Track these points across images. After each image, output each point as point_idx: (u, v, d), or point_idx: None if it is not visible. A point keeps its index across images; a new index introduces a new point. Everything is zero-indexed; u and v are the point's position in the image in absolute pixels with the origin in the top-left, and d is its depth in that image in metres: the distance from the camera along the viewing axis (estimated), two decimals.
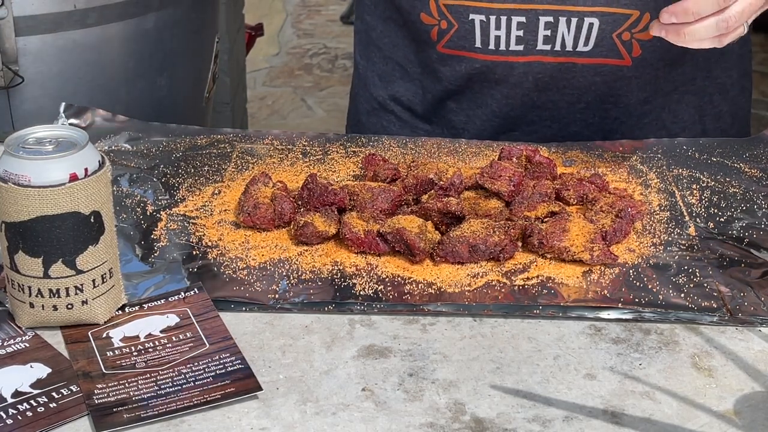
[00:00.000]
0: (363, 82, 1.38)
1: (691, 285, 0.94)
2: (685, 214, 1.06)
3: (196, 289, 0.93)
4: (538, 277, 0.95)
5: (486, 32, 1.20)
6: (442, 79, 1.27)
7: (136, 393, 0.80)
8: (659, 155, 1.18)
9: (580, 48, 1.20)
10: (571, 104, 1.25)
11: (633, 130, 1.28)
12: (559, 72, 1.22)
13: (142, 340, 0.87)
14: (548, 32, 1.19)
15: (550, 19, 1.18)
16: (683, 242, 1.01)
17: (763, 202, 1.08)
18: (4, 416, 0.78)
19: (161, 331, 0.88)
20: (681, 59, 1.25)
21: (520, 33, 1.19)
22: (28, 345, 0.86)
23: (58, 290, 0.86)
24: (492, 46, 1.21)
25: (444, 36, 1.23)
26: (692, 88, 1.28)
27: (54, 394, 0.80)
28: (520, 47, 1.20)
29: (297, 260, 0.97)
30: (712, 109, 1.31)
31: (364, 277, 0.95)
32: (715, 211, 1.07)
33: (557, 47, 1.20)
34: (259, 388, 0.80)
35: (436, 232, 0.99)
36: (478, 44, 1.21)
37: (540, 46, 1.20)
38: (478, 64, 1.24)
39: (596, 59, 1.21)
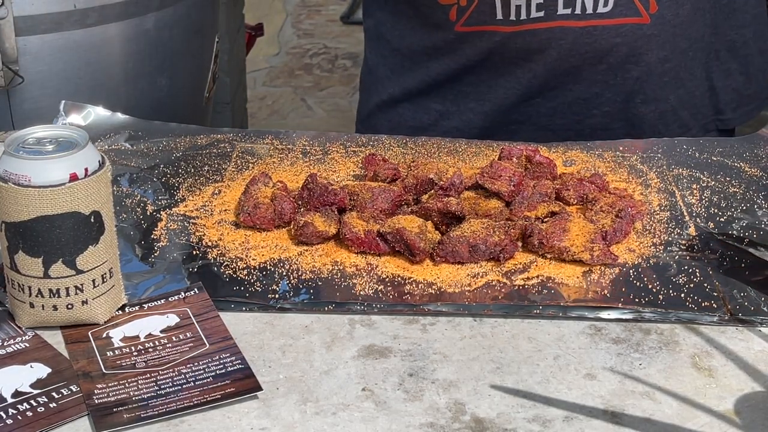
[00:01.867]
0: (374, 76, 1.38)
1: (691, 285, 0.94)
2: (685, 214, 1.06)
3: (196, 289, 0.93)
4: (538, 277, 0.95)
5: (507, 3, 1.21)
6: (459, 58, 1.27)
7: (136, 393, 0.80)
8: (659, 155, 1.18)
9: (600, 9, 1.20)
10: (592, 65, 1.25)
11: (655, 90, 1.28)
12: (581, 36, 1.23)
13: (142, 340, 0.87)
14: None
15: None
16: (683, 242, 1.01)
17: (763, 202, 1.08)
18: (4, 416, 0.78)
19: (161, 331, 0.88)
20: (693, 15, 1.25)
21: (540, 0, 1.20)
22: (28, 345, 0.86)
23: (58, 290, 0.86)
24: (513, 17, 1.21)
25: (464, 14, 1.23)
26: (701, 45, 1.29)
27: (54, 394, 0.80)
28: (541, 13, 1.21)
29: (297, 260, 0.97)
30: (719, 66, 1.31)
31: (364, 277, 0.95)
32: (715, 211, 1.07)
33: (578, 10, 1.21)
34: (259, 388, 0.80)
35: (436, 232, 0.99)
36: (499, 16, 1.22)
37: (561, 10, 1.21)
38: (498, 38, 1.24)
39: (616, 19, 1.22)
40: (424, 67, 1.32)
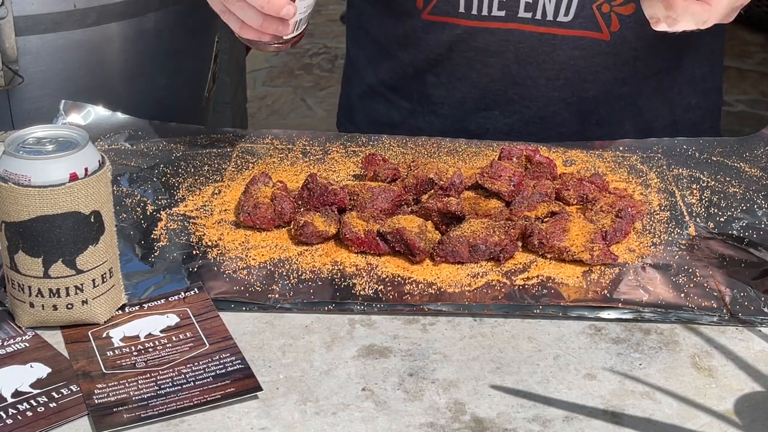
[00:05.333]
0: (354, 67, 1.40)
1: (691, 285, 0.94)
2: (685, 214, 1.06)
3: (196, 289, 0.93)
4: (538, 277, 0.95)
5: None
6: (424, 48, 1.29)
7: (136, 393, 0.80)
8: (659, 155, 1.18)
9: (561, 18, 1.21)
10: (549, 80, 1.26)
11: (610, 114, 1.29)
12: (539, 43, 1.24)
13: (142, 340, 0.87)
14: None
15: None
16: (683, 242, 1.01)
17: (763, 202, 1.08)
18: (4, 416, 0.78)
19: (161, 331, 0.88)
20: (658, 42, 1.26)
21: None
22: (28, 345, 0.86)
23: (58, 290, 0.86)
24: (474, 11, 1.23)
25: (429, 2, 1.25)
26: (666, 78, 1.30)
27: (54, 394, 0.80)
28: (502, 13, 1.22)
29: (297, 260, 0.97)
30: (681, 100, 1.32)
31: (364, 277, 0.95)
32: (715, 211, 1.07)
33: (538, 16, 1.22)
34: (259, 388, 0.80)
35: (436, 232, 0.99)
36: (461, 9, 1.24)
37: (521, 13, 1.22)
38: (459, 31, 1.25)
39: (576, 31, 1.23)
40: (395, 56, 1.33)
